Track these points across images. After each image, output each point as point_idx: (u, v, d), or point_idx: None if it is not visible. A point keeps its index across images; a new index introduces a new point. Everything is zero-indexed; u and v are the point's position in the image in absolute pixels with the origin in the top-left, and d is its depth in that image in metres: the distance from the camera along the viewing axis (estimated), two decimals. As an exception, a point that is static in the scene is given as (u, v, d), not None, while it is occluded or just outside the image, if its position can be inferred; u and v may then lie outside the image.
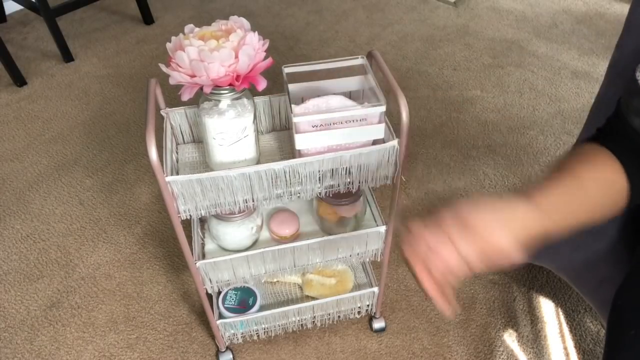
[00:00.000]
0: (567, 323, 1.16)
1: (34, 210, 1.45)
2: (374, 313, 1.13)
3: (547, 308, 1.19)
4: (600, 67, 1.93)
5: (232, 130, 0.73)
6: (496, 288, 1.23)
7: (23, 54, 2.08)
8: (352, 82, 0.83)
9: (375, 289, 1.06)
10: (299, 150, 0.75)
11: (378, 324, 1.15)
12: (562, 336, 1.14)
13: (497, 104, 1.77)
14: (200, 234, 0.95)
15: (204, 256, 0.94)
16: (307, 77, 0.81)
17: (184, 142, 0.89)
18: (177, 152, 0.86)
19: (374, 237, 0.92)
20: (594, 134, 0.65)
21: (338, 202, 0.90)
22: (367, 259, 0.97)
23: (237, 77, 0.68)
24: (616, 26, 2.14)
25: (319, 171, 0.77)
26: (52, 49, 2.07)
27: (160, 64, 0.70)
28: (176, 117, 0.85)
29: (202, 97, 0.73)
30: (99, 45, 2.13)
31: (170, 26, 2.22)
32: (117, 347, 1.14)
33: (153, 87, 0.76)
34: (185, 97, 0.68)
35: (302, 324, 1.08)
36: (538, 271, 1.26)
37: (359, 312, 1.11)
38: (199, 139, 0.89)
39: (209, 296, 1.21)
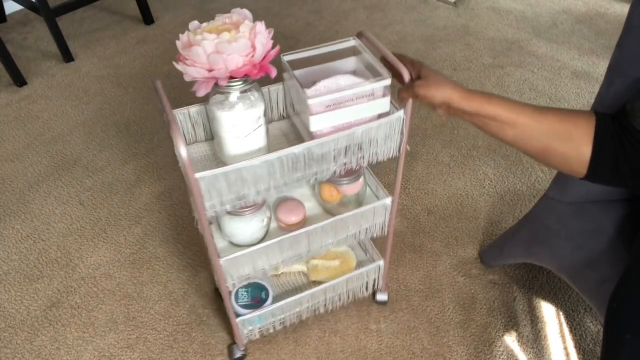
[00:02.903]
0: (567, 323, 1.16)
1: (34, 210, 1.45)
2: (379, 287, 1.16)
3: (547, 308, 1.19)
4: (600, 67, 1.93)
5: (246, 121, 0.75)
6: (496, 288, 1.23)
7: (23, 54, 2.08)
8: (349, 63, 0.86)
9: (381, 262, 1.09)
10: (313, 132, 0.77)
11: (381, 297, 1.18)
12: (562, 336, 1.14)
13: (497, 104, 1.77)
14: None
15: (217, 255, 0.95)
16: (305, 64, 0.84)
17: (189, 143, 0.90)
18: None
19: (380, 210, 0.96)
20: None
21: (341, 182, 0.93)
22: (374, 234, 1.01)
23: (254, 66, 0.69)
24: (616, 26, 2.14)
25: (334, 150, 0.79)
26: (52, 49, 2.07)
27: (174, 62, 0.70)
28: (179, 118, 0.85)
29: (212, 92, 0.74)
30: (99, 45, 2.13)
31: (170, 26, 2.23)
32: (117, 347, 1.14)
33: (161, 88, 0.76)
34: (202, 92, 0.69)
35: (314, 309, 1.10)
36: (538, 271, 1.26)
37: (366, 288, 1.14)
38: (202, 138, 0.90)
39: (218, 296, 1.21)
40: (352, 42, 0.84)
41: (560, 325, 1.16)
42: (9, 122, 1.75)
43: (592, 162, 0.68)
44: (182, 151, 0.67)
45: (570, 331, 1.15)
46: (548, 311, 1.19)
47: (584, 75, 1.89)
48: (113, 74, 1.96)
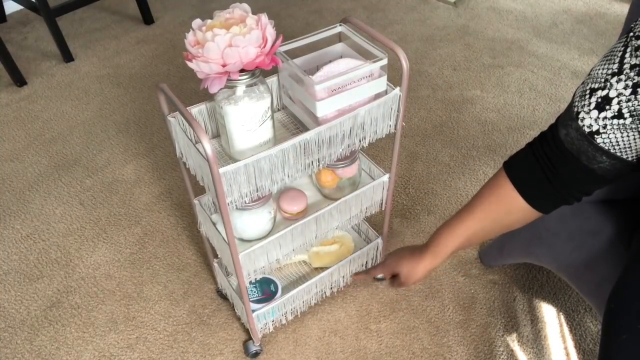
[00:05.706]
0: (567, 323, 1.16)
1: (34, 210, 1.45)
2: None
3: (547, 308, 1.19)
4: (600, 67, 1.92)
5: (258, 113, 0.76)
6: (496, 288, 1.23)
7: (23, 54, 2.08)
8: (337, 49, 0.89)
9: (379, 240, 1.15)
10: (319, 118, 0.79)
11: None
12: (562, 336, 1.14)
13: (497, 104, 1.77)
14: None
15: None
16: (295, 54, 0.86)
17: (195, 142, 0.90)
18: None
19: (379, 188, 1.01)
20: (524, 148, 0.75)
21: (338, 165, 0.96)
22: (373, 211, 1.04)
23: (267, 57, 0.70)
24: (616, 26, 2.14)
25: (341, 132, 0.82)
26: (52, 49, 2.07)
27: (187, 62, 0.70)
28: (180, 119, 0.85)
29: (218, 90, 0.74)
30: (99, 45, 2.13)
31: (170, 26, 2.23)
32: (117, 347, 1.14)
33: (169, 90, 0.77)
34: (216, 88, 0.69)
35: (321, 294, 1.13)
36: (538, 271, 1.26)
37: (365, 267, 1.19)
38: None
39: (224, 297, 1.21)
40: (338, 29, 0.87)
41: (560, 325, 1.16)
42: (9, 122, 1.75)
43: (532, 204, 0.72)
44: (207, 147, 0.68)
45: (570, 331, 1.15)
46: (548, 311, 1.19)
47: (584, 75, 1.89)
48: (113, 74, 1.96)
